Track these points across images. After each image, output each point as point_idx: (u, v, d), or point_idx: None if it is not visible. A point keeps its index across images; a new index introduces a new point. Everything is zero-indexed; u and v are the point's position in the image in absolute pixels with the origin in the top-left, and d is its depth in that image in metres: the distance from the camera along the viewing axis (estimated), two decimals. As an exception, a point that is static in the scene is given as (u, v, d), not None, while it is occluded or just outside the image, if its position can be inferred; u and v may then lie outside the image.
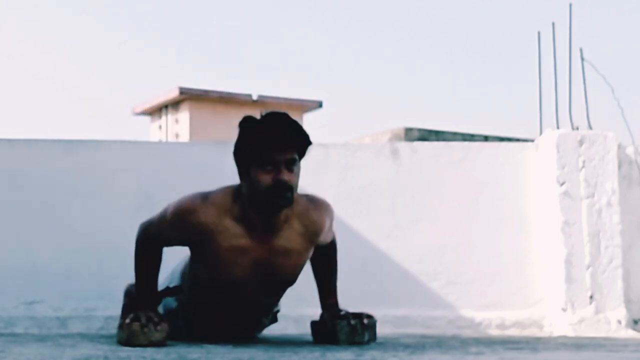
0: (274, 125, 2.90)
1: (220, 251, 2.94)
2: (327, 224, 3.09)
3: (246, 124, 2.94)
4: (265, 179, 2.86)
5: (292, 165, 2.89)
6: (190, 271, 3.10)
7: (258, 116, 2.94)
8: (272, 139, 2.86)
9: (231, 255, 2.95)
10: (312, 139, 2.95)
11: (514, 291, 4.26)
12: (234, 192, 2.98)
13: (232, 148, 2.96)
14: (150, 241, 3.04)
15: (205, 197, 2.98)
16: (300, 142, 2.92)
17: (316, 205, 3.07)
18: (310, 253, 3.10)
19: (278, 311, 3.37)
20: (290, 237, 2.99)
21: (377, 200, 4.27)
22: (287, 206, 2.92)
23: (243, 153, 2.93)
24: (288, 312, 4.07)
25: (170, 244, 3.06)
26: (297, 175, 2.93)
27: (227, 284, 3.01)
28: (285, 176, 2.86)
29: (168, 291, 3.17)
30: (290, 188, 2.88)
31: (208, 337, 3.14)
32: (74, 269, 4.06)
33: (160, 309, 3.13)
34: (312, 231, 3.03)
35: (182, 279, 3.17)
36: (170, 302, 3.21)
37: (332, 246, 3.25)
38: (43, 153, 4.18)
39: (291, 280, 3.11)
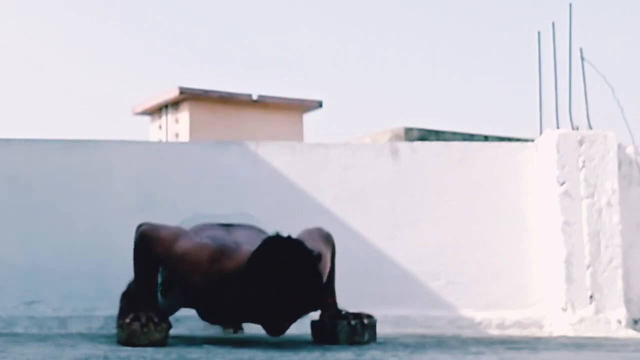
0: (288, 298, 2.69)
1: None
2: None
3: (261, 272, 2.70)
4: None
5: None
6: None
7: (277, 254, 2.69)
8: (280, 314, 2.74)
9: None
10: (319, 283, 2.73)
11: (514, 291, 4.25)
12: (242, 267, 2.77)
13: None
14: (147, 249, 3.01)
15: (221, 254, 2.88)
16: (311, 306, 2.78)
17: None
18: None
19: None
20: None
21: (377, 200, 4.27)
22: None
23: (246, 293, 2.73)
24: (288, 312, 4.08)
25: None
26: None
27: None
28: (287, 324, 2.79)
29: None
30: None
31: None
32: (74, 269, 4.05)
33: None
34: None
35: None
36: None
37: (330, 248, 3.25)
38: (43, 153, 4.17)
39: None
